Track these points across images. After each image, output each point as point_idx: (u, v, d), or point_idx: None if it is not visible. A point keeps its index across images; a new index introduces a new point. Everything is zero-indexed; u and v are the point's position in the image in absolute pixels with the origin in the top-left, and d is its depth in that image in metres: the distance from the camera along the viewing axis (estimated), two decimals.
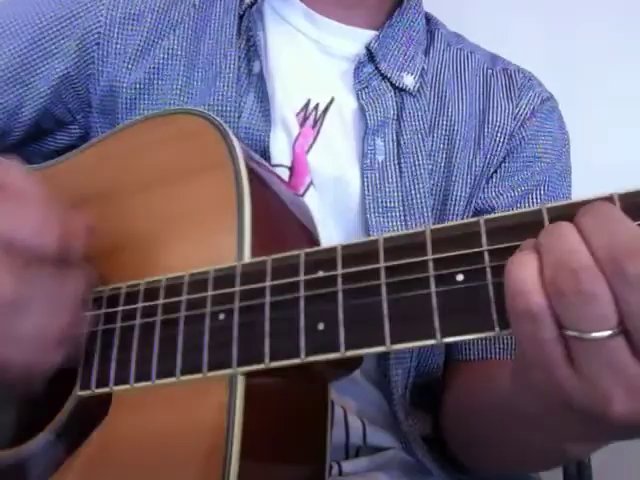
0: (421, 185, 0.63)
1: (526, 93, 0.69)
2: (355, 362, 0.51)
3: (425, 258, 0.38)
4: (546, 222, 0.36)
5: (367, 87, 0.65)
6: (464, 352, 0.64)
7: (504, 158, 0.67)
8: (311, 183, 0.63)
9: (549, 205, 0.36)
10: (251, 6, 0.67)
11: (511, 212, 0.37)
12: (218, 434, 0.42)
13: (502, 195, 0.66)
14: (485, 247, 0.36)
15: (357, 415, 0.63)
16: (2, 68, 0.65)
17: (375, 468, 0.63)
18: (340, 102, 0.66)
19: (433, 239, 0.38)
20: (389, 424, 0.63)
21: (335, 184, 0.63)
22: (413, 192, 0.63)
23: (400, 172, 0.63)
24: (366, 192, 0.62)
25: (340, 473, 0.62)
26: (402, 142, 0.64)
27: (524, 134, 0.68)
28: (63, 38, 0.65)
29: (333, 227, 0.62)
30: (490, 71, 0.71)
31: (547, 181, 0.68)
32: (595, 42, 1.01)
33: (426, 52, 0.70)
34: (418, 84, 0.67)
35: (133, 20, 0.66)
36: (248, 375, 0.43)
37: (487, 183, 0.67)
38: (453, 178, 0.65)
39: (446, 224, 0.39)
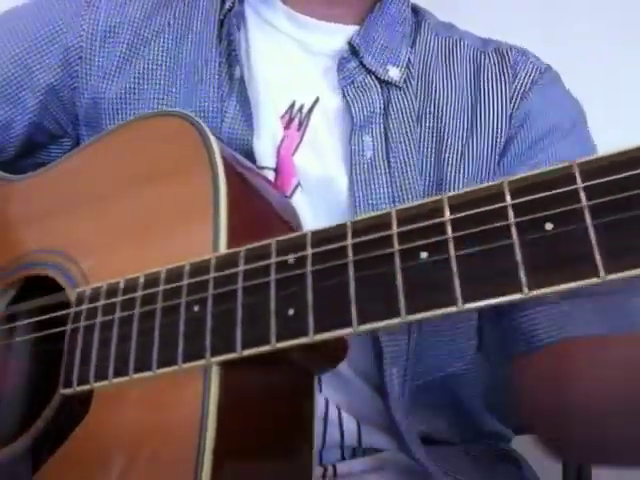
0: (411, 179, 0.63)
1: (523, 67, 0.67)
2: (338, 353, 0.50)
3: (389, 232, 0.38)
4: (507, 195, 0.35)
5: (352, 83, 0.65)
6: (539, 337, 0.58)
7: (513, 136, 0.65)
8: (298, 184, 0.63)
9: (511, 178, 0.36)
10: (231, 10, 0.68)
11: (473, 187, 0.37)
12: (193, 426, 0.42)
13: (520, 170, 0.62)
14: (448, 218, 0.36)
15: (352, 414, 0.62)
16: None
17: (371, 470, 0.62)
18: (325, 101, 0.66)
19: (398, 217, 0.38)
20: (385, 424, 0.62)
21: (323, 183, 0.63)
22: (403, 187, 0.62)
23: (389, 167, 0.63)
24: (355, 189, 0.61)
25: (335, 475, 0.61)
26: (390, 136, 0.64)
27: (529, 106, 0.65)
28: (47, 54, 0.67)
29: (322, 226, 0.62)
30: (482, 54, 0.69)
31: (565, 152, 0.64)
32: (593, 41, 1.01)
33: (413, 43, 0.69)
34: (404, 76, 0.66)
35: (114, 33, 0.67)
36: (225, 366, 0.43)
37: (499, 164, 0.64)
38: (445, 166, 0.63)
39: (411, 203, 0.39)
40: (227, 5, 0.68)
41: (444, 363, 0.64)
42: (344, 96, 0.64)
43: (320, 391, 0.60)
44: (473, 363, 0.67)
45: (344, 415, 0.62)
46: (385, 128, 0.64)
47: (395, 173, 0.62)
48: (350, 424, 0.62)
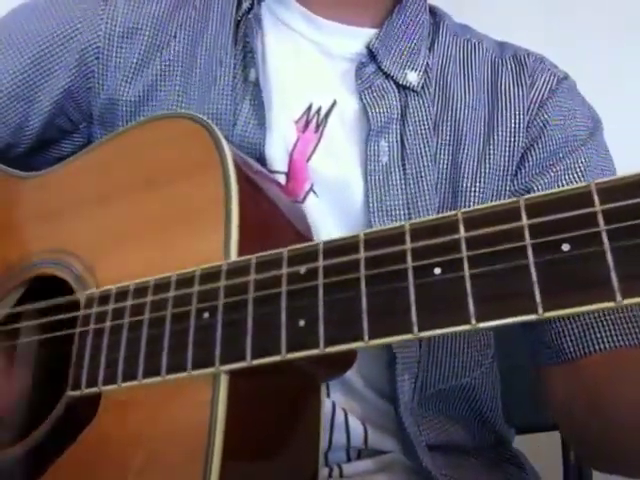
0: (426, 185, 0.62)
1: (540, 75, 0.67)
2: (346, 362, 0.50)
3: (403, 247, 0.37)
4: (523, 214, 0.35)
5: (370, 87, 0.64)
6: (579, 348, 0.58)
7: (530, 146, 0.64)
8: (311, 189, 0.63)
9: (528, 197, 0.36)
10: (248, 12, 0.67)
11: (487, 204, 0.37)
12: (201, 432, 0.42)
13: (538, 180, 0.63)
14: (463, 235, 0.36)
15: (358, 419, 0.62)
16: (6, 86, 0.67)
17: (376, 470, 0.62)
18: (342, 104, 0.65)
19: (412, 232, 0.38)
20: (392, 429, 0.62)
21: (338, 188, 0.63)
22: (417, 193, 0.62)
23: (404, 173, 0.62)
24: (370, 194, 0.61)
25: (341, 475, 0.61)
26: (406, 142, 0.63)
27: (547, 116, 0.65)
28: (64, 54, 0.67)
29: (336, 231, 0.62)
30: (499, 60, 0.69)
31: (582, 162, 0.64)
32: (595, 42, 1.00)
33: (431, 46, 0.69)
34: (422, 80, 0.66)
35: (131, 34, 0.67)
36: (234, 374, 0.43)
37: (517, 174, 0.64)
38: (461, 173, 0.63)
39: (425, 218, 0.38)
40: (244, 7, 0.68)
41: (458, 372, 0.64)
42: (361, 100, 0.64)
43: (328, 395, 0.60)
44: (488, 372, 0.67)
45: (350, 419, 0.62)
46: (402, 134, 0.63)
47: (410, 180, 0.62)
48: (356, 427, 0.62)
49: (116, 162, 0.57)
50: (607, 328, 0.57)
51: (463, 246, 0.36)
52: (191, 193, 0.51)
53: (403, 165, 0.63)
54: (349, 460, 0.63)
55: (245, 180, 0.50)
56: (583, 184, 0.34)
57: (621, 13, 1.03)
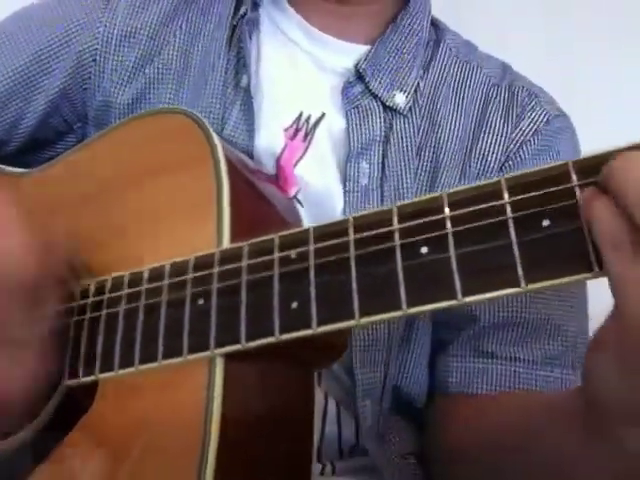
0: None
1: (529, 114, 0.66)
2: (337, 349, 0.51)
3: (391, 228, 0.39)
4: (505, 192, 0.37)
5: (357, 107, 0.64)
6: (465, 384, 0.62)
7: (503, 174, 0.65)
8: (295, 196, 0.63)
9: (507, 176, 0.37)
10: (244, 16, 0.68)
11: (471, 185, 0.38)
12: (198, 417, 0.43)
13: None
14: (448, 214, 0.37)
15: (350, 411, 0.63)
16: (4, 83, 0.68)
17: (368, 470, 0.63)
18: (330, 118, 0.65)
19: (399, 213, 0.40)
20: None
21: (322, 199, 0.63)
22: None
23: (382, 196, 0.63)
24: (347, 214, 0.60)
25: (333, 472, 0.62)
26: (387, 165, 0.63)
27: (522, 156, 0.65)
28: (62, 55, 0.68)
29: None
30: (494, 88, 0.67)
31: None
32: (594, 43, 1.01)
33: (427, 65, 0.68)
34: (410, 103, 0.65)
35: (129, 38, 0.68)
36: (229, 359, 0.44)
37: None
38: None
39: (411, 200, 0.40)
40: (241, 11, 0.68)
41: (422, 399, 0.65)
42: (347, 119, 0.64)
43: (319, 384, 0.61)
44: None
45: (342, 411, 0.63)
46: (384, 156, 0.64)
47: (388, 201, 0.62)
48: (348, 420, 0.63)
49: (109, 157, 0.58)
50: (488, 375, 0.61)
51: (448, 224, 0.37)
52: (183, 186, 0.52)
53: (381, 187, 0.63)
54: (341, 456, 0.63)
55: (236, 173, 0.52)
56: (560, 162, 0.36)
57: (620, 14, 1.04)
